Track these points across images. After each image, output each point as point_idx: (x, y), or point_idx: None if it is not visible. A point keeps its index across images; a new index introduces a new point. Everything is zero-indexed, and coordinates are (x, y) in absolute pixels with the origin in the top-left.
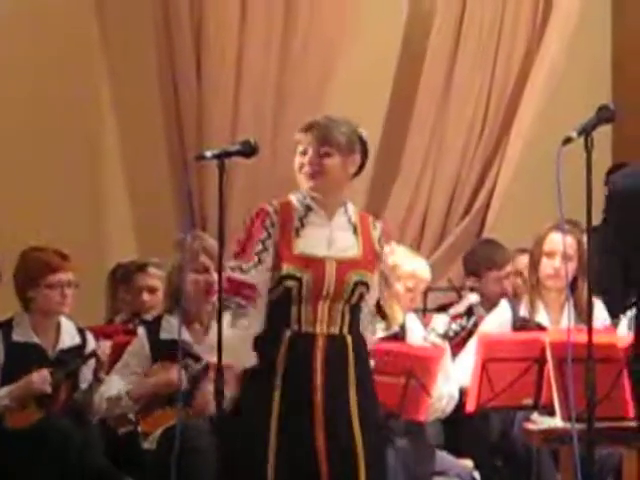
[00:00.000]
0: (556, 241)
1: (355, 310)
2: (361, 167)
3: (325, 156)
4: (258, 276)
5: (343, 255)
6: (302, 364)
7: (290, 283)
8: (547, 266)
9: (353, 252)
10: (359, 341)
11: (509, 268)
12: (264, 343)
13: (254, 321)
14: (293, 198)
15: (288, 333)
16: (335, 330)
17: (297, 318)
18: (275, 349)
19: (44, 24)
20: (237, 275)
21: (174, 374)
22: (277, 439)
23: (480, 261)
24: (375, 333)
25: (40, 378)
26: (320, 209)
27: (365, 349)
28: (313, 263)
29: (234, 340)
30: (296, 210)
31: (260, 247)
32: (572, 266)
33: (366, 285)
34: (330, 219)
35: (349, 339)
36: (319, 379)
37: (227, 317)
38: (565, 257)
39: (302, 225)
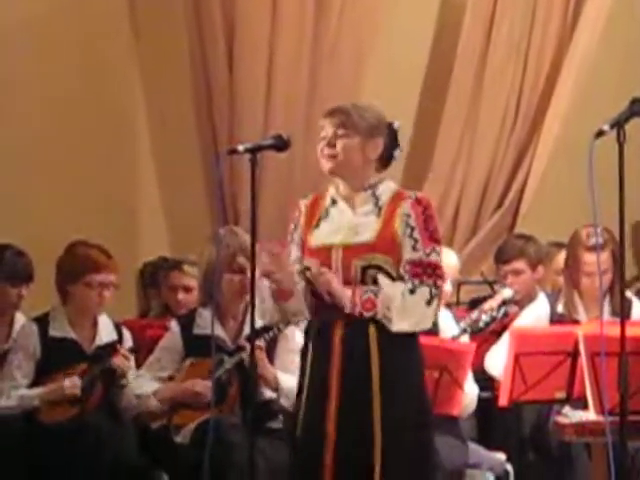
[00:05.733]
0: (590, 262)
1: None
2: (390, 156)
3: (342, 137)
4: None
5: (352, 241)
6: (323, 349)
7: (308, 274)
8: (585, 282)
9: (366, 236)
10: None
11: (540, 270)
12: (305, 332)
13: None
14: (330, 189)
15: (316, 322)
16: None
17: (322, 306)
18: (308, 338)
19: (78, 24)
20: None
21: (200, 387)
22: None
23: (512, 250)
24: None
25: (71, 383)
26: (342, 199)
27: (402, 336)
28: (321, 252)
29: None
30: (325, 202)
31: (289, 238)
32: (608, 277)
33: (378, 268)
34: (353, 207)
35: (373, 325)
36: (337, 364)
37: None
38: (600, 273)
39: (326, 215)
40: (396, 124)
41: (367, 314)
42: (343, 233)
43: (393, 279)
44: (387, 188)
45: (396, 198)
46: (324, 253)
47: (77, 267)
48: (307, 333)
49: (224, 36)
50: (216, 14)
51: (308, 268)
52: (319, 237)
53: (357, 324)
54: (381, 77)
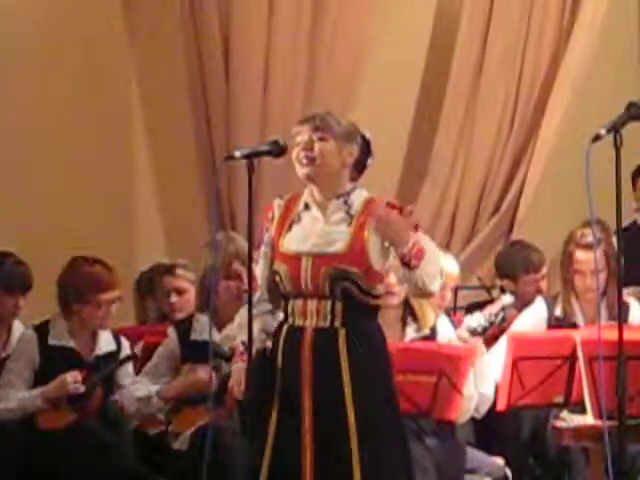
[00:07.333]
0: (581, 260)
1: (351, 303)
2: (364, 166)
3: (319, 140)
4: (261, 267)
5: (322, 250)
6: (293, 356)
7: (277, 278)
8: (577, 281)
9: (337, 247)
10: (359, 334)
11: (545, 270)
12: (274, 335)
13: (257, 306)
14: (305, 192)
15: (285, 326)
16: (325, 323)
17: (291, 312)
18: (276, 341)
19: (73, 27)
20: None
21: (203, 374)
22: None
23: (517, 264)
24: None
25: (73, 378)
26: (315, 205)
27: (371, 341)
28: (290, 259)
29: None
30: (299, 205)
31: (264, 239)
32: (602, 276)
33: (348, 279)
34: (324, 214)
35: (342, 332)
36: (307, 370)
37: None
38: (595, 272)
39: (298, 220)
40: (368, 134)
41: (414, 263)
42: (313, 241)
43: (362, 291)
44: (359, 196)
45: (367, 207)
46: (294, 260)
47: (82, 287)
48: (275, 335)
49: (220, 44)
50: (212, 19)
51: (276, 272)
52: (290, 242)
53: (326, 330)
54: (378, 82)
